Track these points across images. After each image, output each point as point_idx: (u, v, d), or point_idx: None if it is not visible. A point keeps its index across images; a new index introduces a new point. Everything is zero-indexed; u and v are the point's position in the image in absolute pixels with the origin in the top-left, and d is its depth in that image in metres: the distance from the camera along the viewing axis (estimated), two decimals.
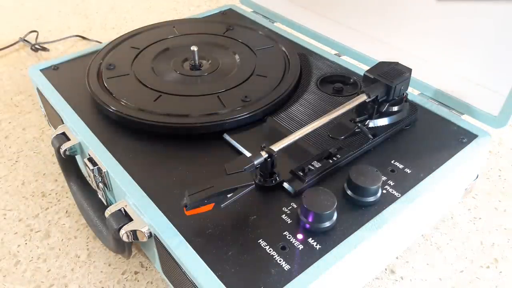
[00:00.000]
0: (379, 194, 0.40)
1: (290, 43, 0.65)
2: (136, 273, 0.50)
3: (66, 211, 0.57)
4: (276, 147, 0.40)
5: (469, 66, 0.51)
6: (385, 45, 0.59)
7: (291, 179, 0.42)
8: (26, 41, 0.93)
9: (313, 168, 0.43)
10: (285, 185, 0.42)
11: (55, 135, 0.51)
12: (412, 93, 0.54)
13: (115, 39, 0.63)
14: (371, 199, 0.40)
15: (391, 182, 0.43)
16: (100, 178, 0.47)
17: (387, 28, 0.58)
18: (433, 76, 0.55)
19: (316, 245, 0.37)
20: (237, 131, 0.48)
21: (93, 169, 0.46)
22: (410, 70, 0.47)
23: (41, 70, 0.59)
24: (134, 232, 0.40)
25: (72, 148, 0.50)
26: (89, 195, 0.50)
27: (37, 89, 0.59)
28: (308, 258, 0.36)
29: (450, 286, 0.48)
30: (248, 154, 0.45)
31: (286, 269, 0.35)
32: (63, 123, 0.53)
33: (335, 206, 0.37)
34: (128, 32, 0.65)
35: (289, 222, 0.39)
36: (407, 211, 0.41)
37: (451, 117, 0.51)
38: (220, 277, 0.34)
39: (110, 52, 0.60)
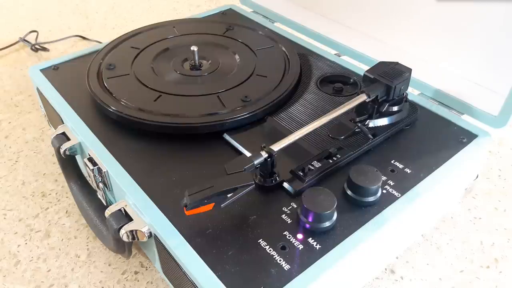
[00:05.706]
0: (379, 194, 0.40)
1: (290, 43, 0.65)
2: (136, 273, 0.50)
3: (66, 211, 0.57)
4: (276, 147, 0.40)
5: (469, 66, 0.51)
6: (385, 45, 0.59)
7: (291, 179, 0.42)
8: (26, 41, 0.93)
9: (313, 168, 0.43)
10: (285, 185, 0.42)
11: (55, 135, 0.51)
12: (412, 93, 0.54)
13: (115, 39, 0.63)
14: (371, 199, 0.40)
15: (391, 182, 0.43)
16: (100, 178, 0.47)
17: (387, 28, 0.59)
18: (433, 76, 0.55)
19: (316, 245, 0.37)
20: (237, 131, 0.48)
21: (93, 169, 0.46)
22: (410, 70, 0.47)
23: (41, 70, 0.59)
24: (134, 232, 0.40)
25: (72, 148, 0.50)
26: (89, 195, 0.50)
27: (37, 89, 0.59)
28: (308, 258, 0.36)
29: (450, 286, 0.48)
30: (248, 154, 0.45)
31: (286, 269, 0.35)
32: (63, 123, 0.53)
33: (335, 206, 0.37)
34: (128, 32, 0.65)
35: (289, 222, 0.39)
36: (407, 211, 0.41)
37: (451, 117, 0.51)
38: (220, 277, 0.34)
39: (110, 52, 0.60)
